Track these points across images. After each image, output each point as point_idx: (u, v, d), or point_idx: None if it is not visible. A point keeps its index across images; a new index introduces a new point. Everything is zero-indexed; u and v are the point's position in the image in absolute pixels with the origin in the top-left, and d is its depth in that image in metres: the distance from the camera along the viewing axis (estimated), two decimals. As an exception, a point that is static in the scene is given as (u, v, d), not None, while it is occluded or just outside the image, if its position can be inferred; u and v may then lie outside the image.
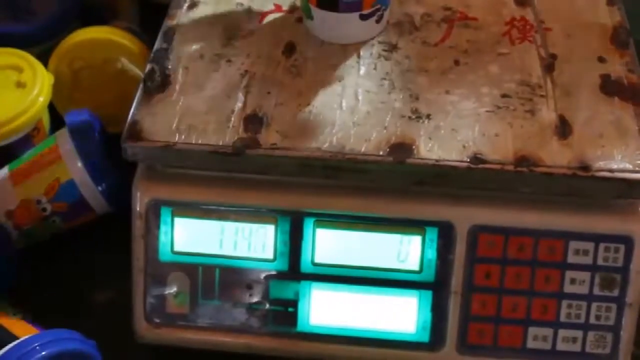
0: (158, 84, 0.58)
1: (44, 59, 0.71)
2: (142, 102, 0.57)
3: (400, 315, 0.57)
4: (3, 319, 0.58)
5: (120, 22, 0.77)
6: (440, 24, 0.62)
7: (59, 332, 0.54)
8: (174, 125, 0.55)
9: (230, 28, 0.62)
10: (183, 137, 0.55)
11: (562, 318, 0.56)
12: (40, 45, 0.74)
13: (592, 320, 0.56)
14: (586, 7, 0.63)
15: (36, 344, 0.52)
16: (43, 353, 0.51)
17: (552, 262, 0.55)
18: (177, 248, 0.57)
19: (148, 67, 0.59)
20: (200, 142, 0.54)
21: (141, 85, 0.58)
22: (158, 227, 0.57)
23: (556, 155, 0.53)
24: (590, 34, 0.61)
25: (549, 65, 0.59)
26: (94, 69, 0.72)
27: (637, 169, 0.53)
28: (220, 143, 0.54)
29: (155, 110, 0.56)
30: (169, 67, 0.59)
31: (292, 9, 0.63)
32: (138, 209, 0.57)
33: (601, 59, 0.60)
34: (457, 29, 0.62)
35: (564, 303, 0.56)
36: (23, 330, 0.57)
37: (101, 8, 0.80)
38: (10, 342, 0.53)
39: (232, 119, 0.55)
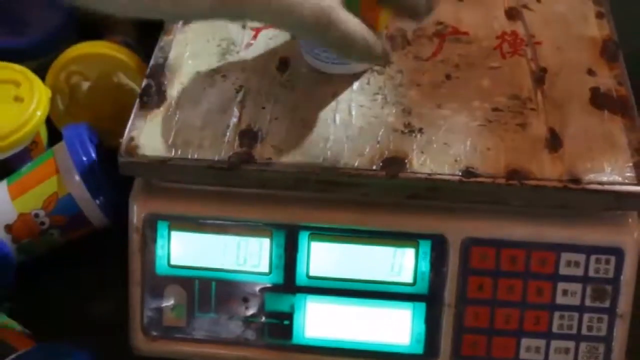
0: (154, 99, 0.59)
1: (41, 73, 0.71)
2: (138, 117, 0.58)
3: (395, 327, 0.57)
4: (2, 331, 0.59)
5: (117, 36, 0.77)
6: (432, 38, 0.63)
7: (55, 347, 0.55)
8: (170, 140, 0.56)
9: (225, 43, 0.62)
10: (179, 152, 0.55)
11: (555, 329, 0.56)
12: (38, 59, 0.74)
13: (584, 331, 0.56)
14: (576, 20, 0.64)
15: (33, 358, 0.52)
16: None
17: (544, 274, 0.56)
18: (173, 261, 0.58)
19: (144, 82, 0.60)
20: (196, 157, 0.55)
21: (138, 101, 0.59)
22: (155, 240, 0.57)
23: (547, 169, 0.54)
24: (580, 47, 0.62)
25: (540, 78, 0.60)
26: (91, 84, 0.72)
27: (626, 181, 0.53)
28: (216, 158, 0.55)
29: (152, 125, 0.57)
30: (165, 82, 0.60)
31: (286, 24, 0.64)
32: (135, 222, 0.57)
33: (591, 72, 0.60)
34: (448, 43, 0.62)
35: (556, 314, 0.56)
36: (21, 343, 0.57)
37: (97, 22, 0.80)
38: (9, 355, 0.53)
39: (228, 133, 0.56)
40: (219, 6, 0.45)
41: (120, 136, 0.70)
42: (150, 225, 0.57)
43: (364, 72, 0.60)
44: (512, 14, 0.64)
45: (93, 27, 0.79)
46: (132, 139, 0.56)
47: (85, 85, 0.72)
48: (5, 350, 0.56)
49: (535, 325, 0.56)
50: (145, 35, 0.81)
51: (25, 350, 0.54)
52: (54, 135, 0.71)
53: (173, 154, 0.55)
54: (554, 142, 0.56)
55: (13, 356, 0.54)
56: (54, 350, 0.54)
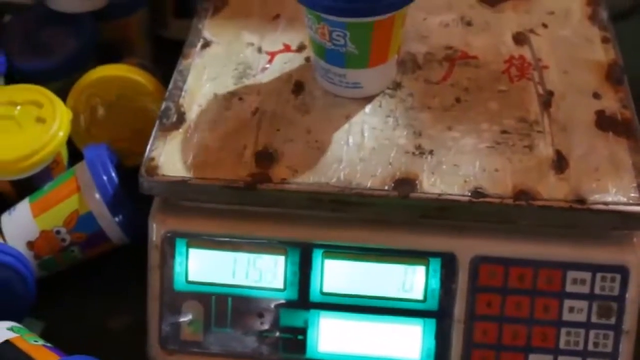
0: (173, 121, 0.61)
1: (61, 94, 0.73)
2: (158, 138, 0.59)
3: (405, 342, 0.58)
4: (25, 345, 0.60)
5: (134, 59, 0.80)
6: (442, 62, 0.64)
7: (77, 359, 0.56)
8: (189, 160, 0.58)
9: (241, 67, 0.64)
10: (198, 172, 0.57)
11: (562, 345, 0.58)
12: (59, 81, 0.76)
13: (591, 347, 0.57)
14: (582, 45, 0.66)
15: None
16: None
17: (551, 292, 0.57)
18: (191, 278, 0.59)
19: (164, 104, 0.62)
20: (214, 177, 0.57)
21: (157, 122, 0.60)
22: (173, 257, 0.59)
23: (553, 189, 0.56)
24: (586, 71, 0.64)
25: (547, 101, 0.61)
26: (111, 105, 0.74)
27: (631, 201, 0.55)
28: (234, 178, 0.56)
29: (171, 146, 0.59)
30: (184, 104, 0.62)
31: (300, 48, 0.66)
32: (154, 240, 0.59)
33: (596, 95, 0.62)
34: (458, 67, 0.64)
35: (563, 331, 0.57)
36: (44, 357, 0.59)
37: (115, 45, 0.83)
38: None
39: (244, 154, 0.58)
40: None
41: (138, 156, 0.72)
42: (168, 243, 0.59)
43: (377, 95, 0.62)
44: (519, 38, 0.66)
45: (110, 49, 0.81)
46: (152, 159, 0.58)
47: (105, 106, 0.74)
48: (28, 363, 0.57)
49: (542, 341, 0.58)
50: (160, 57, 0.84)
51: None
52: (74, 155, 0.73)
53: (192, 174, 0.57)
54: (561, 163, 0.57)
55: None
56: None
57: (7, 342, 0.59)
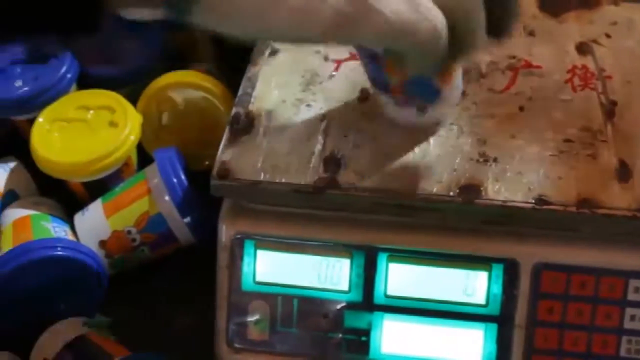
0: (243, 126, 0.62)
1: (130, 99, 0.75)
2: (229, 143, 0.61)
3: (467, 346, 0.59)
4: (98, 339, 0.63)
5: (201, 65, 0.82)
6: (505, 71, 0.65)
7: (150, 356, 0.59)
8: (259, 164, 0.60)
9: (309, 75, 0.66)
10: (267, 176, 0.59)
11: (622, 353, 0.58)
12: (128, 86, 0.78)
13: (651, 355, 0.58)
14: (645, 55, 0.67)
15: None
16: None
17: (612, 299, 0.58)
18: (258, 278, 0.61)
19: (234, 110, 0.64)
20: (283, 181, 0.58)
21: (228, 127, 0.62)
22: (242, 258, 0.61)
23: (616, 198, 0.56)
24: (649, 81, 0.64)
25: (610, 111, 0.62)
26: (179, 110, 0.77)
27: (694, 211, 0.56)
28: (302, 182, 0.58)
29: (241, 151, 0.61)
30: (253, 110, 0.63)
31: (367, 56, 0.67)
32: (223, 241, 0.61)
33: (659, 105, 0.62)
34: (521, 76, 0.65)
35: (624, 339, 0.58)
36: (116, 351, 0.61)
37: (181, 52, 0.85)
38: None
39: (312, 159, 0.60)
40: (334, 30, 0.47)
41: (204, 159, 0.75)
42: (237, 244, 0.61)
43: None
44: (582, 48, 0.67)
45: (177, 56, 0.84)
46: (223, 163, 0.60)
47: (173, 111, 0.77)
48: (102, 357, 0.60)
49: (603, 348, 0.58)
50: (226, 64, 0.86)
51: (124, 356, 0.58)
52: (142, 158, 0.76)
53: (262, 177, 0.59)
54: (624, 172, 0.58)
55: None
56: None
57: (83, 336, 0.62)
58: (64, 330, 0.63)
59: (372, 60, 0.57)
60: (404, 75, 0.57)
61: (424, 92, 0.59)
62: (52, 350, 0.61)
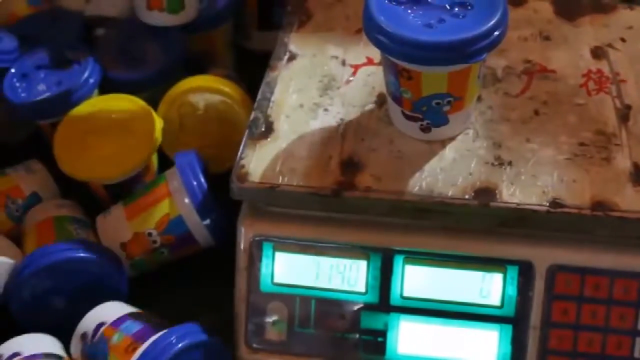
0: (262, 130, 0.63)
1: (151, 103, 0.76)
2: (248, 146, 0.62)
3: (482, 347, 0.60)
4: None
5: (220, 70, 0.83)
6: (520, 76, 0.66)
7: (191, 326, 0.61)
8: (277, 168, 0.61)
9: (326, 80, 0.67)
10: (286, 179, 0.60)
11: (637, 354, 0.59)
12: (149, 91, 0.79)
13: (666, 356, 0.58)
14: (660, 60, 0.67)
15: (173, 337, 0.59)
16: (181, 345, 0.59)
17: (626, 301, 0.58)
18: (277, 280, 0.62)
19: (253, 114, 0.65)
20: (301, 184, 0.59)
21: (247, 131, 0.63)
22: (260, 260, 0.62)
23: (631, 201, 0.57)
24: (664, 85, 0.65)
25: (624, 115, 0.63)
26: (199, 114, 0.77)
27: None
28: (320, 185, 0.59)
29: (260, 154, 0.62)
30: (272, 115, 0.65)
31: (383, 61, 0.68)
32: (242, 243, 0.62)
33: (674, 110, 0.63)
34: (536, 80, 0.66)
35: (638, 340, 0.58)
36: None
37: (202, 56, 0.86)
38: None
39: (330, 163, 0.61)
40: None
41: (223, 162, 0.76)
42: (256, 246, 0.62)
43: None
44: (597, 53, 0.68)
45: (197, 60, 0.85)
46: (242, 166, 0.61)
47: (193, 115, 0.78)
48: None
49: (617, 349, 0.59)
50: (243, 68, 0.87)
51: (166, 330, 0.60)
52: (162, 161, 0.77)
53: (280, 181, 0.60)
54: (638, 176, 0.58)
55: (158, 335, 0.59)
56: (190, 329, 0.60)
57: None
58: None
59: (392, 69, 0.58)
60: (418, 93, 0.58)
61: (433, 116, 0.60)
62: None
